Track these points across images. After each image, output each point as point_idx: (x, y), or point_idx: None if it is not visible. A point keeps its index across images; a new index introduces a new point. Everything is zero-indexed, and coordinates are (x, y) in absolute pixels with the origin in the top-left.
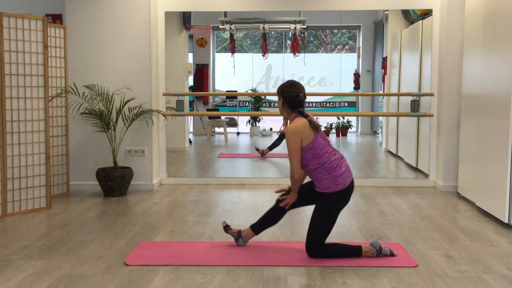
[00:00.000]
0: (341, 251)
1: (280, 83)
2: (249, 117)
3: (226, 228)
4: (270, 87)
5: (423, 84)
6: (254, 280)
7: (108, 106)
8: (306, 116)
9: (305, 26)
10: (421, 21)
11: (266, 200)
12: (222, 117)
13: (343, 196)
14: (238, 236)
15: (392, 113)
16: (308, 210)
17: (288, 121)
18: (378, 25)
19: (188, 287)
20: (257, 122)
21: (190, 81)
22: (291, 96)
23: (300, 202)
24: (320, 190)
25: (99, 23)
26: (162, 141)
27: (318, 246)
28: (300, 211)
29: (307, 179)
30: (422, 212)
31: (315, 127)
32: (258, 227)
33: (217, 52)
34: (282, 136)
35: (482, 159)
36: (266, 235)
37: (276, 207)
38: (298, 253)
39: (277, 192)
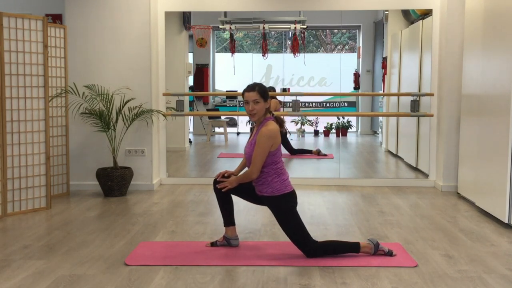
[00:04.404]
0: (339, 248)
1: (280, 83)
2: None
3: (213, 244)
4: None
5: (423, 84)
6: (254, 280)
7: (108, 106)
8: (273, 116)
9: (305, 26)
10: (421, 21)
11: None
12: (222, 117)
13: (292, 196)
14: (226, 240)
15: (392, 113)
16: (309, 211)
17: (255, 123)
18: (378, 25)
19: (188, 287)
20: None
21: (190, 81)
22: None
23: (242, 191)
24: (266, 194)
25: (99, 23)
26: (162, 141)
27: (310, 246)
28: (300, 212)
29: None
30: (422, 212)
31: (281, 124)
32: (227, 220)
33: (217, 52)
34: None
35: (482, 159)
36: (266, 235)
37: (221, 198)
38: (298, 253)
39: (219, 175)
